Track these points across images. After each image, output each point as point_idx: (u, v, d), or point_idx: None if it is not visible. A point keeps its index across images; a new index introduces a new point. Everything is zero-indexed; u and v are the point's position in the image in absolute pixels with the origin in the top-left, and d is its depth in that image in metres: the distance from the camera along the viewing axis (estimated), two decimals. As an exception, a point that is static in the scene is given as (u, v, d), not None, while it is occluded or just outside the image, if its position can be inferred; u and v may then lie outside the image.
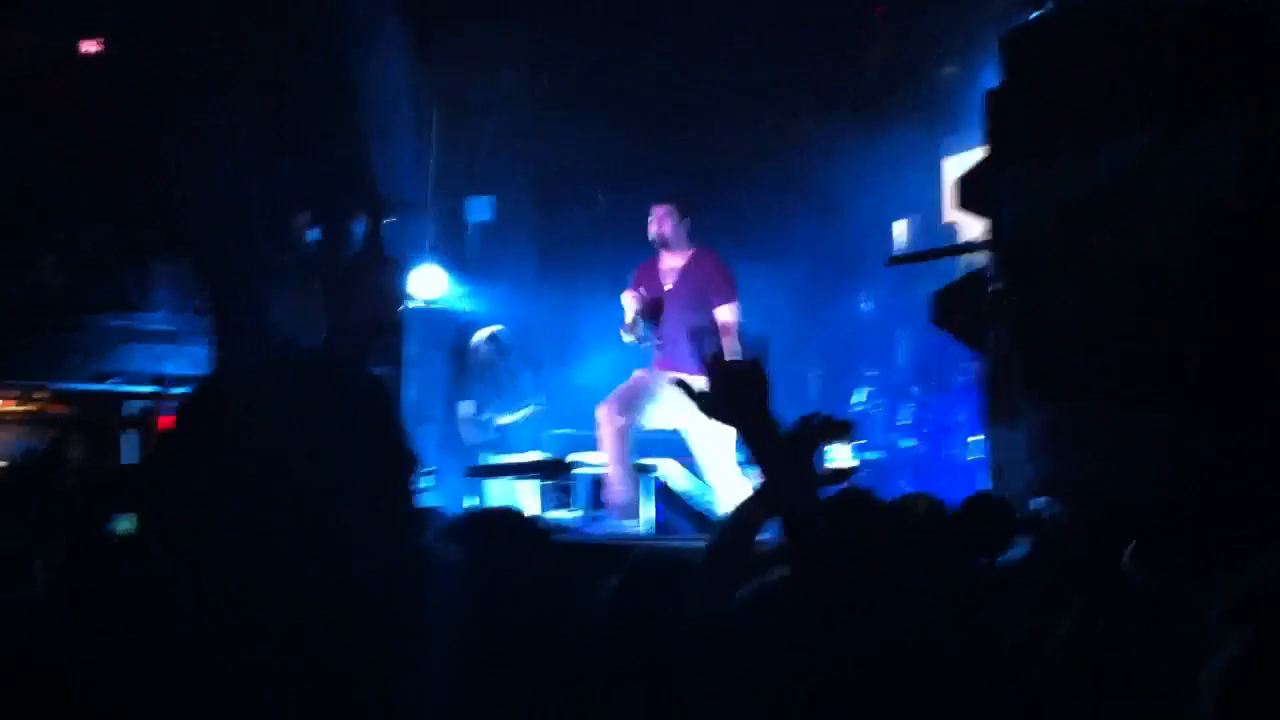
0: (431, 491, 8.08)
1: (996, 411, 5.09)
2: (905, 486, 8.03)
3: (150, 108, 9.98)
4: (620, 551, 3.35)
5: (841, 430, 2.36)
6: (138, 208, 10.52)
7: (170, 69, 9.83)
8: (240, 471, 1.45)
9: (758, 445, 2.21)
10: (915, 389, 8.46)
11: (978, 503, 4.38)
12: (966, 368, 7.57)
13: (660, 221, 6.85)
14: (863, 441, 7.91)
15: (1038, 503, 4.68)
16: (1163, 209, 4.65)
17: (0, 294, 9.89)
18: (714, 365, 2.32)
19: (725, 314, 6.66)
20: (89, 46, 10.19)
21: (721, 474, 6.51)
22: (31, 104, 9.72)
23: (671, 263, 6.87)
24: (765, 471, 2.20)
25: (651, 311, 6.79)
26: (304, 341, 9.66)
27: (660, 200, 6.91)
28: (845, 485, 3.30)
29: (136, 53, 10.10)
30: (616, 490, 6.58)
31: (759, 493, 2.28)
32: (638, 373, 6.87)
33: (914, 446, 8.31)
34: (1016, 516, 4.31)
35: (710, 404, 2.29)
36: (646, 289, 6.82)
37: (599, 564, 2.48)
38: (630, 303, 6.80)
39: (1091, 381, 4.73)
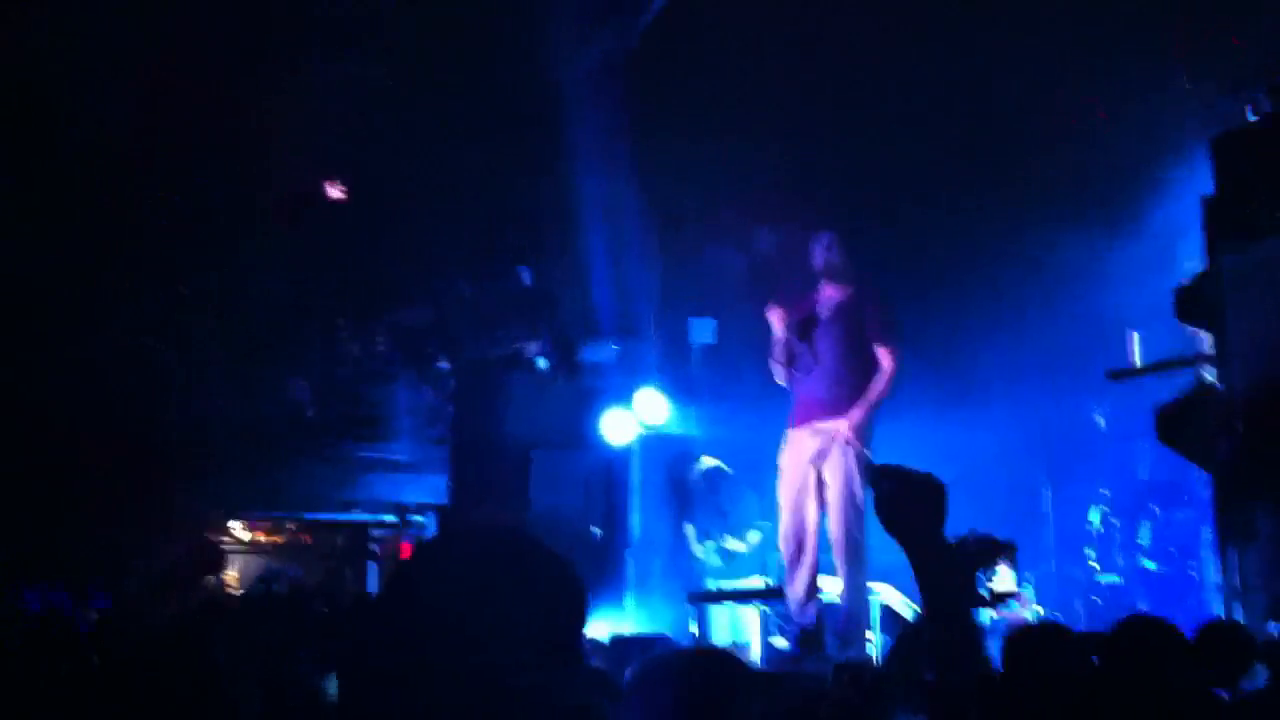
0: (655, 616, 8.12)
1: (1230, 531, 4.82)
2: (1145, 611, 7.64)
3: (393, 236, 10.53)
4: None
5: (1001, 551, 2.28)
6: (383, 332, 11.07)
7: (408, 201, 10.37)
8: (434, 637, 1.54)
9: (922, 566, 2.08)
10: (1155, 506, 8.06)
11: (1213, 630, 4.16)
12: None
13: (828, 248, 6.53)
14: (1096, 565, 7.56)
15: (1275, 627, 4.41)
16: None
17: (254, 422, 10.45)
18: (887, 473, 2.19)
19: (885, 358, 6.32)
20: (334, 192, 10.81)
21: (845, 549, 6.20)
22: (287, 234, 10.30)
23: (831, 293, 6.55)
24: (924, 592, 2.10)
25: (803, 330, 6.45)
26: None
27: (823, 226, 6.64)
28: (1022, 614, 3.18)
29: (375, 188, 10.65)
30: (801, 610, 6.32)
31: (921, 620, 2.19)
32: (783, 465, 6.53)
33: (1156, 568, 7.89)
34: (1255, 643, 4.07)
35: (882, 513, 2.17)
36: (798, 311, 6.50)
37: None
38: (778, 319, 6.50)
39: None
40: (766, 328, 6.63)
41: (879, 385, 6.33)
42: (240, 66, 8.88)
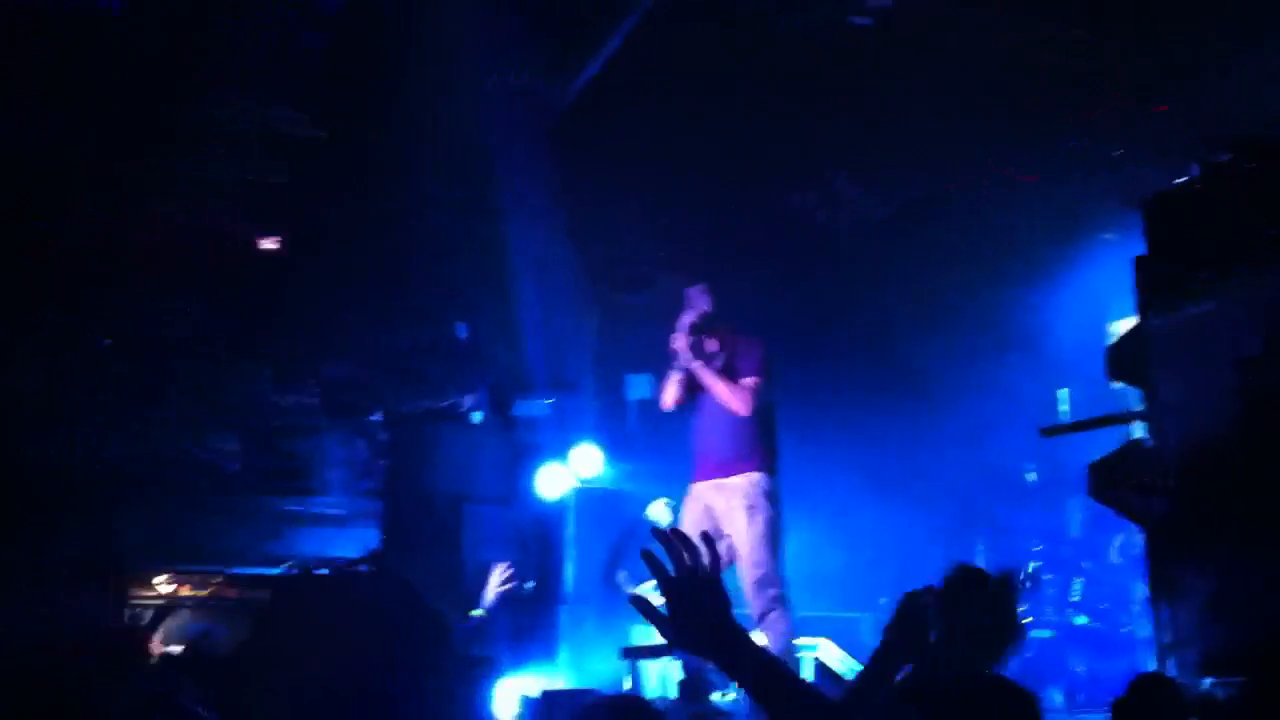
0: (588, 672, 8.04)
1: (1163, 586, 4.86)
2: (1077, 665, 7.68)
3: (325, 288, 10.44)
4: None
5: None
6: (314, 385, 10.94)
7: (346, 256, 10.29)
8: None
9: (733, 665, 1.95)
10: (1086, 563, 8.13)
11: (1144, 684, 4.18)
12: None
13: (696, 301, 6.54)
14: (1028, 619, 7.59)
15: (1208, 682, 4.43)
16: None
17: (178, 476, 10.25)
18: (666, 578, 2.03)
19: (753, 383, 6.33)
20: (268, 243, 10.71)
21: (764, 606, 6.14)
22: (205, 282, 10.16)
23: (711, 346, 6.57)
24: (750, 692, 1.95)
25: (696, 385, 6.44)
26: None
27: (692, 282, 6.64)
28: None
29: (306, 240, 10.57)
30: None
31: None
32: (683, 519, 6.50)
33: (1088, 623, 7.94)
34: (1184, 698, 4.09)
35: (670, 631, 2.02)
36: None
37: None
38: (682, 346, 6.43)
39: (1260, 549, 4.51)
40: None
41: (721, 388, 6.35)
42: (155, 111, 8.78)
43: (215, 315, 10.29)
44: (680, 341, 6.49)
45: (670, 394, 6.59)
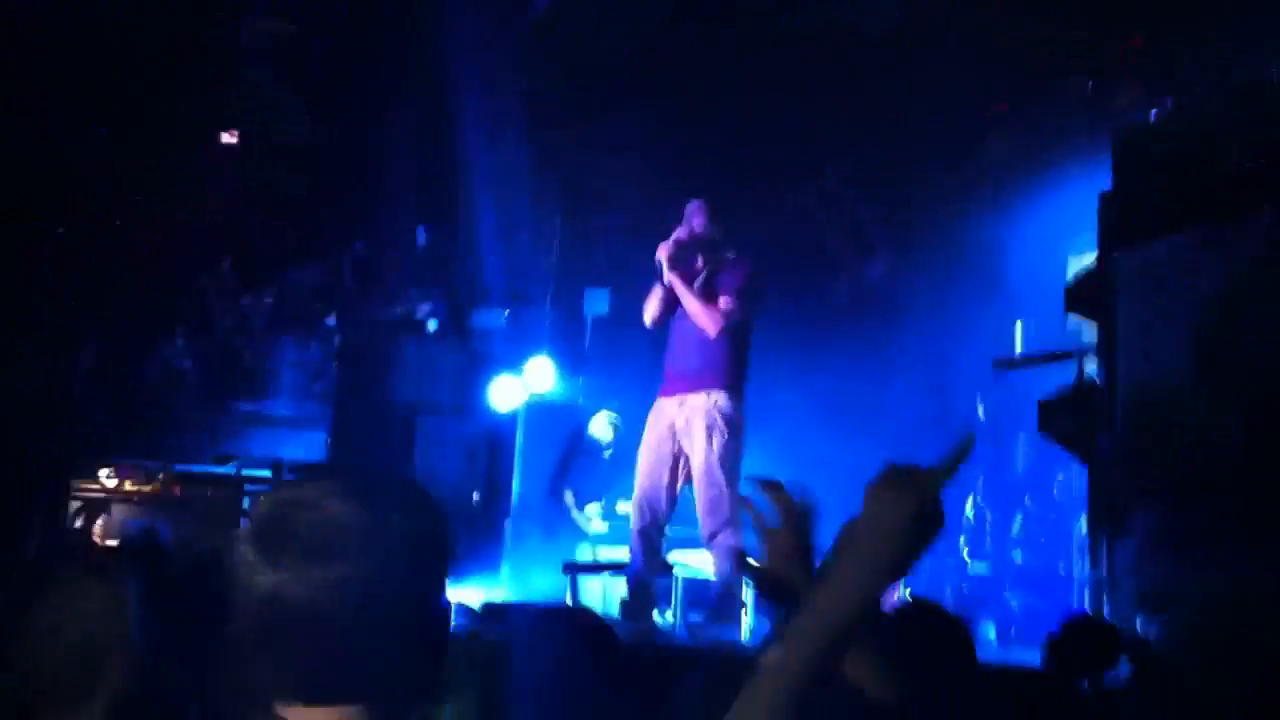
0: (530, 586, 8.04)
1: (1103, 524, 4.89)
2: (1013, 601, 7.76)
3: (286, 192, 10.32)
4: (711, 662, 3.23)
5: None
6: (268, 287, 10.85)
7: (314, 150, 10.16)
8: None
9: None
10: (1028, 498, 8.18)
11: (1079, 623, 4.21)
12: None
13: (690, 216, 6.48)
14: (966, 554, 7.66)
15: (1140, 618, 4.47)
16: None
17: (131, 374, 10.17)
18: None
19: (723, 302, 6.27)
20: (226, 137, 10.53)
21: (715, 528, 6.17)
22: (174, 186, 10.02)
23: (701, 264, 6.49)
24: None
25: (675, 299, 6.37)
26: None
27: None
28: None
29: (269, 143, 10.42)
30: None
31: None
32: (646, 432, 6.49)
33: (1025, 560, 8.01)
34: (1120, 636, 4.12)
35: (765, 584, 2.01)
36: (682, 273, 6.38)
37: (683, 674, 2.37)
38: (666, 256, 6.32)
39: (1205, 488, 4.54)
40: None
41: (694, 304, 6.28)
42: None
43: (177, 219, 10.17)
44: (663, 253, 6.41)
45: (651, 309, 6.52)
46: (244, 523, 1.58)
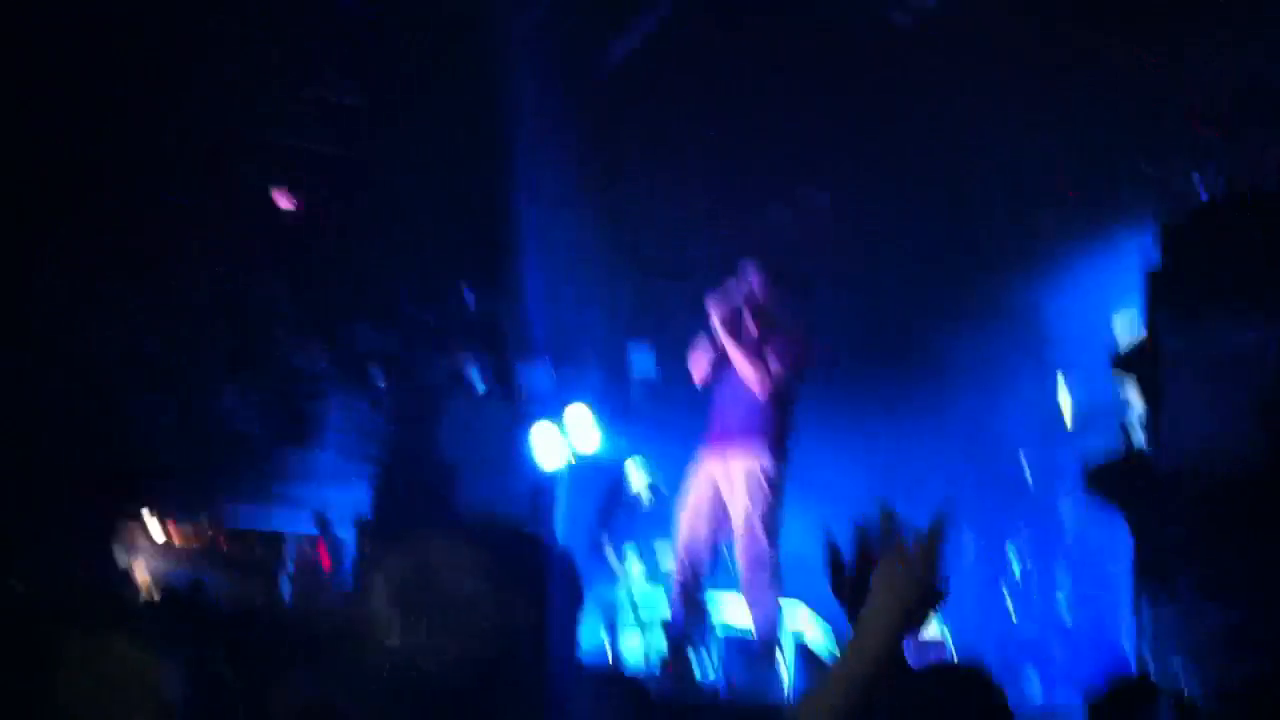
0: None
1: (1148, 590, 4.87)
2: (1058, 662, 7.70)
3: (344, 252, 10.44)
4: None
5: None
6: (326, 347, 10.97)
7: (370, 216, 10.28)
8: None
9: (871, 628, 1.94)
10: (1075, 558, 8.13)
11: (1121, 682, 4.18)
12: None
13: (745, 275, 6.49)
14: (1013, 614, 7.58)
15: (1185, 680, 4.45)
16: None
17: (182, 427, 10.29)
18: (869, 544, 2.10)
19: (776, 369, 6.28)
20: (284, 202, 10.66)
21: (755, 586, 6.19)
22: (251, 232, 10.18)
23: (751, 326, 6.49)
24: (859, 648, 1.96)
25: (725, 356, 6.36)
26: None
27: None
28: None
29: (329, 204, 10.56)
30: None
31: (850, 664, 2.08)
32: (688, 493, 6.51)
33: (1071, 616, 7.95)
34: (1165, 698, 4.09)
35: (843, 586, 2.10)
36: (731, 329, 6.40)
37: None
38: (716, 311, 6.36)
39: (1252, 561, 4.51)
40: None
41: (744, 361, 6.29)
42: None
43: (244, 275, 10.33)
44: (713, 307, 6.43)
45: (700, 367, 6.55)
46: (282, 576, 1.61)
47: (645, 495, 8.76)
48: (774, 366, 6.31)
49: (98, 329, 9.55)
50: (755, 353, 6.39)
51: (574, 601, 1.62)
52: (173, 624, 4.40)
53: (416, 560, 1.55)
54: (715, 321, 6.40)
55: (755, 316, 6.53)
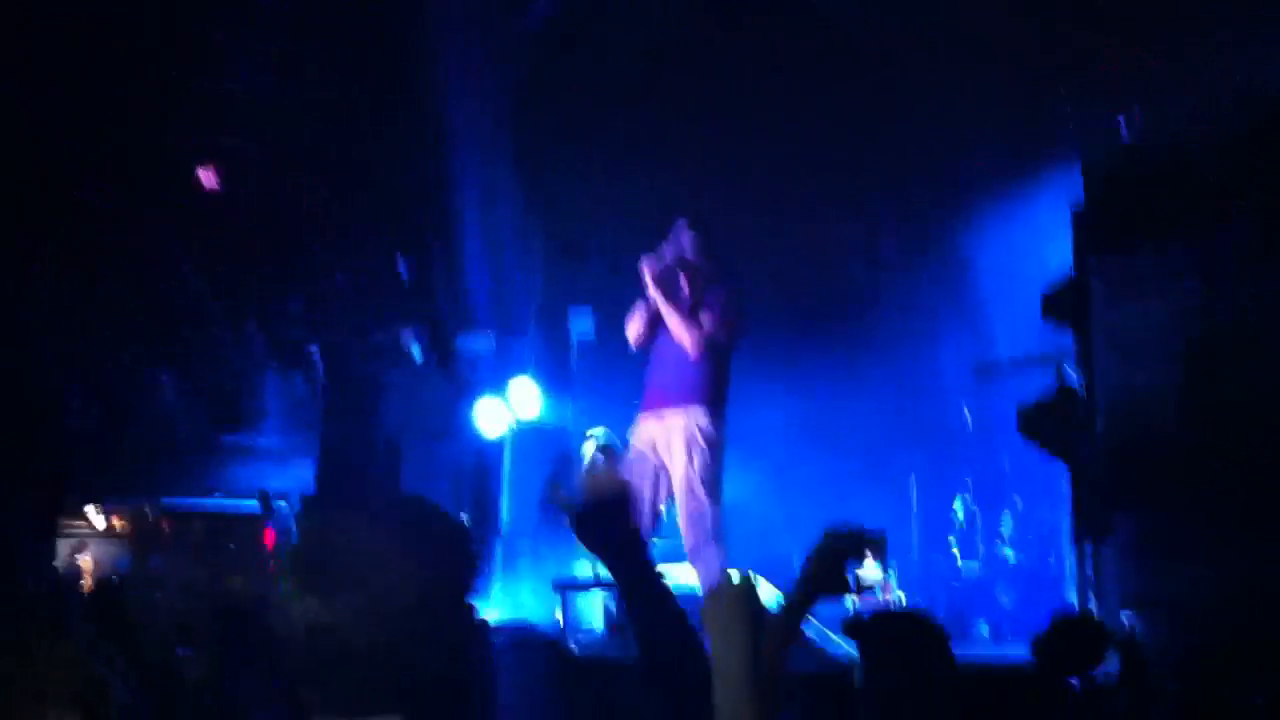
0: (521, 604, 8.07)
1: (1087, 526, 4.95)
2: (1004, 598, 7.82)
3: (269, 223, 10.32)
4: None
5: (869, 543, 2.29)
6: (258, 319, 10.85)
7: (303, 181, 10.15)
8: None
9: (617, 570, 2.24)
10: (1018, 498, 8.24)
11: (1068, 620, 4.25)
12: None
13: (677, 233, 6.42)
14: (957, 553, 7.69)
15: (1127, 617, 4.53)
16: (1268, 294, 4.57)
17: (120, 410, 10.15)
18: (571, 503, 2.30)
19: (708, 323, 6.22)
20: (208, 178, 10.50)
21: (697, 545, 6.13)
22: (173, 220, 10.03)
23: (682, 281, 6.38)
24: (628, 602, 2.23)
25: (658, 316, 6.32)
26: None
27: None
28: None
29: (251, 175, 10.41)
30: None
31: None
32: (630, 459, 6.42)
33: (1015, 557, 8.07)
34: (1108, 633, 4.16)
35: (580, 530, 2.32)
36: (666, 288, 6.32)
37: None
38: (649, 273, 6.24)
39: (1189, 493, 4.60)
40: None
41: (676, 320, 6.25)
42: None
43: (159, 251, 10.17)
44: (648, 268, 6.41)
45: (634, 328, 6.45)
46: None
47: (598, 462, 8.74)
48: (707, 324, 6.26)
49: (26, 326, 9.40)
50: (688, 312, 6.36)
51: (465, 568, 1.68)
52: (109, 622, 4.33)
53: (320, 535, 1.63)
54: (648, 282, 6.35)
55: (688, 275, 6.48)
